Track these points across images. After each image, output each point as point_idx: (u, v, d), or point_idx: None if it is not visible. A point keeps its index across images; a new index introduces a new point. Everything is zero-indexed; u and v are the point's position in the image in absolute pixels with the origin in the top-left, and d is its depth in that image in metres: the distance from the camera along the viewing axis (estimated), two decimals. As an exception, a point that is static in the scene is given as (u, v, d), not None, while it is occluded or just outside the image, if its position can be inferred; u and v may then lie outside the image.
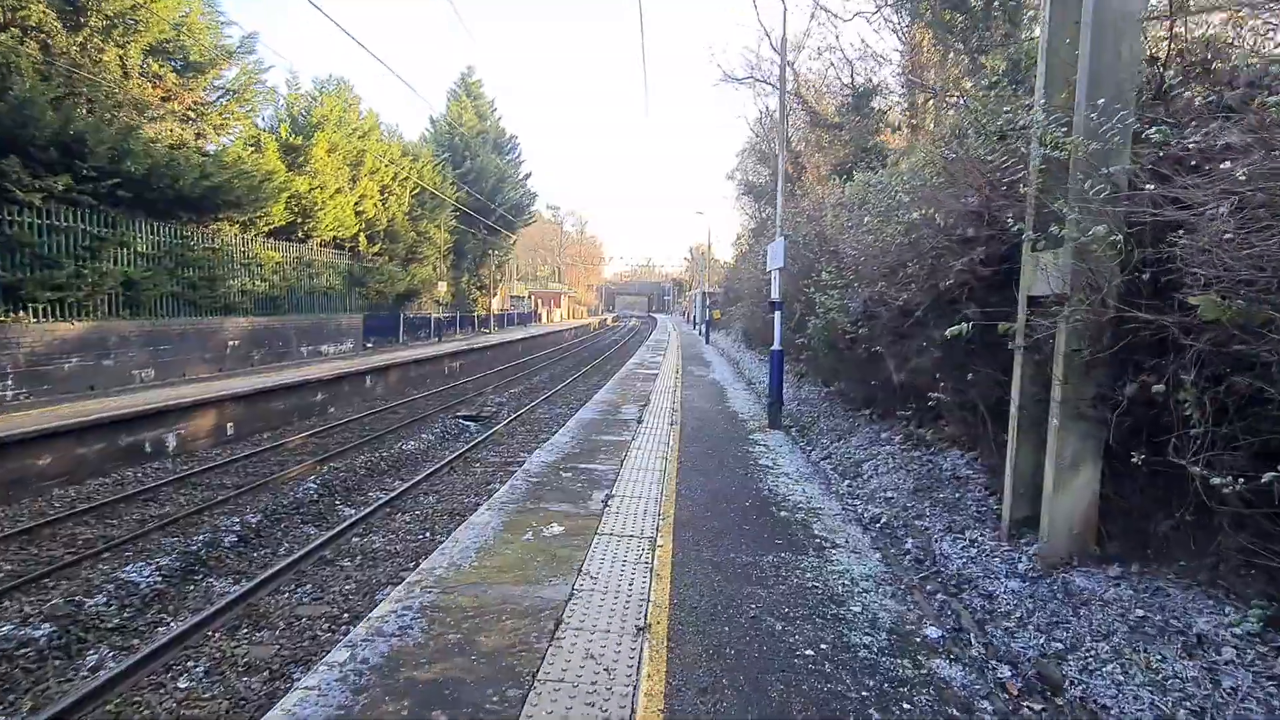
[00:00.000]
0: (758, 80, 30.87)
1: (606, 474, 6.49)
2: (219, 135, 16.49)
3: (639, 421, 9.40)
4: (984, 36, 16.23)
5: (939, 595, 3.94)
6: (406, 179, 26.71)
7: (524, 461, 9.09)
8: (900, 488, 5.67)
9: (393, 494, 9.44)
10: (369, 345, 24.31)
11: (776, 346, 9.07)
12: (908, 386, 5.96)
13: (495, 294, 42.22)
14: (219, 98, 16.69)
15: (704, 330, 33.16)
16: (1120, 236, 3.00)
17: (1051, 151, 3.45)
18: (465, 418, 15.23)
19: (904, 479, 5.77)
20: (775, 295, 9.03)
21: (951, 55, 23.79)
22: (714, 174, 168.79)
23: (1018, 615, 3.46)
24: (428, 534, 8.07)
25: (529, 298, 62.47)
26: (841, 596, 3.90)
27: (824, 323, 8.39)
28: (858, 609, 3.73)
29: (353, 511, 8.87)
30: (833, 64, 29.74)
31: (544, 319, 60.69)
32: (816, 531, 5.01)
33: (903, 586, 4.05)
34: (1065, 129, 3.64)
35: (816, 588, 4.02)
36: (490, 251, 38.30)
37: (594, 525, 4.91)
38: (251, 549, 7.42)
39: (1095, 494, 3.63)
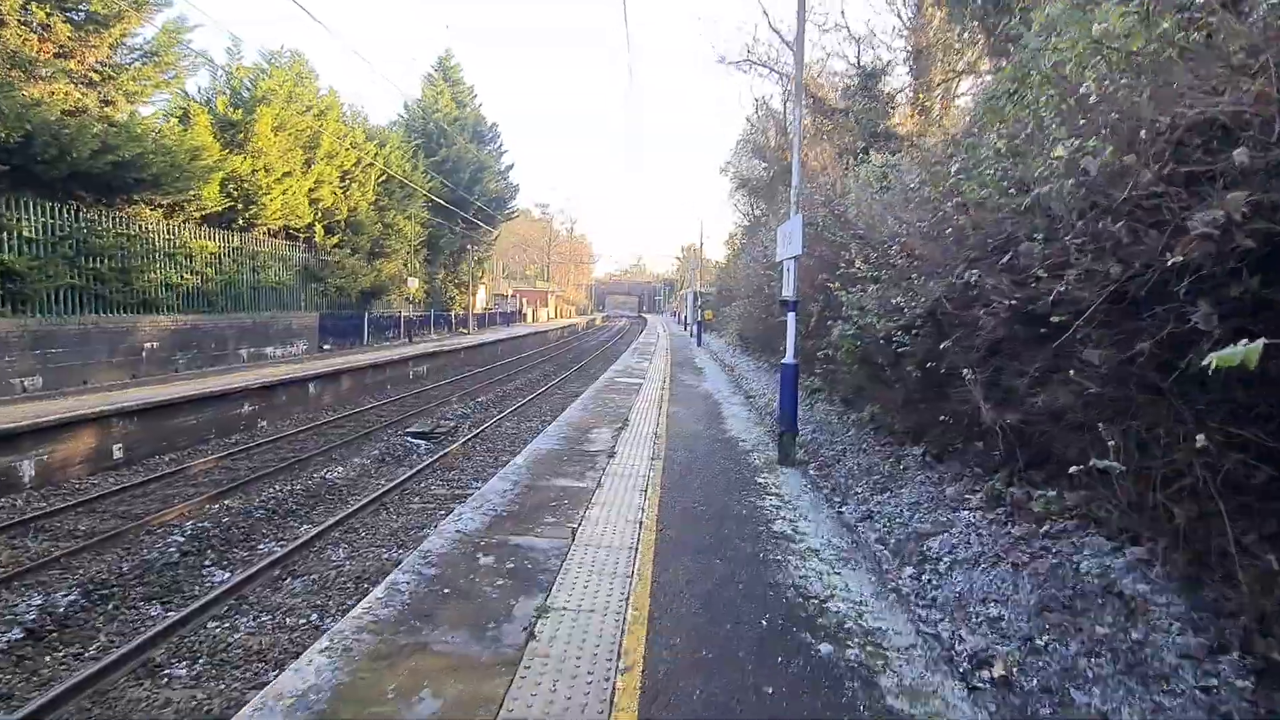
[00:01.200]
0: (754, 63, 28.80)
1: (547, 557, 4.32)
2: (133, 103, 14.16)
3: (610, 455, 7.23)
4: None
5: None
6: (371, 165, 24.39)
7: (473, 495, 6.88)
8: (1009, 597, 3.54)
9: (291, 546, 7.23)
10: (326, 347, 22.01)
11: (789, 359, 6.94)
12: (1016, 432, 3.83)
13: (475, 292, 39.91)
14: (134, 60, 14.37)
15: (695, 332, 31.06)
16: None
17: None
18: (415, 435, 13.00)
19: (1013, 581, 3.64)
20: (788, 292, 6.90)
21: (966, 34, 21.87)
22: (705, 172, 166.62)
23: None
24: (316, 615, 5.87)
25: (514, 296, 60.16)
26: None
27: (855, 329, 6.27)
28: None
29: (225, 576, 6.64)
30: (836, 45, 27.64)
31: (530, 318, 58.43)
32: (891, 699, 2.87)
33: None
34: None
35: None
36: (469, 247, 36.01)
37: (499, 693, 2.74)
38: (44, 651, 5.19)
39: None
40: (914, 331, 4.96)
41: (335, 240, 22.78)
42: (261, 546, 7.45)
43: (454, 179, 31.54)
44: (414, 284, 27.59)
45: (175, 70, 15.22)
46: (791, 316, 6.91)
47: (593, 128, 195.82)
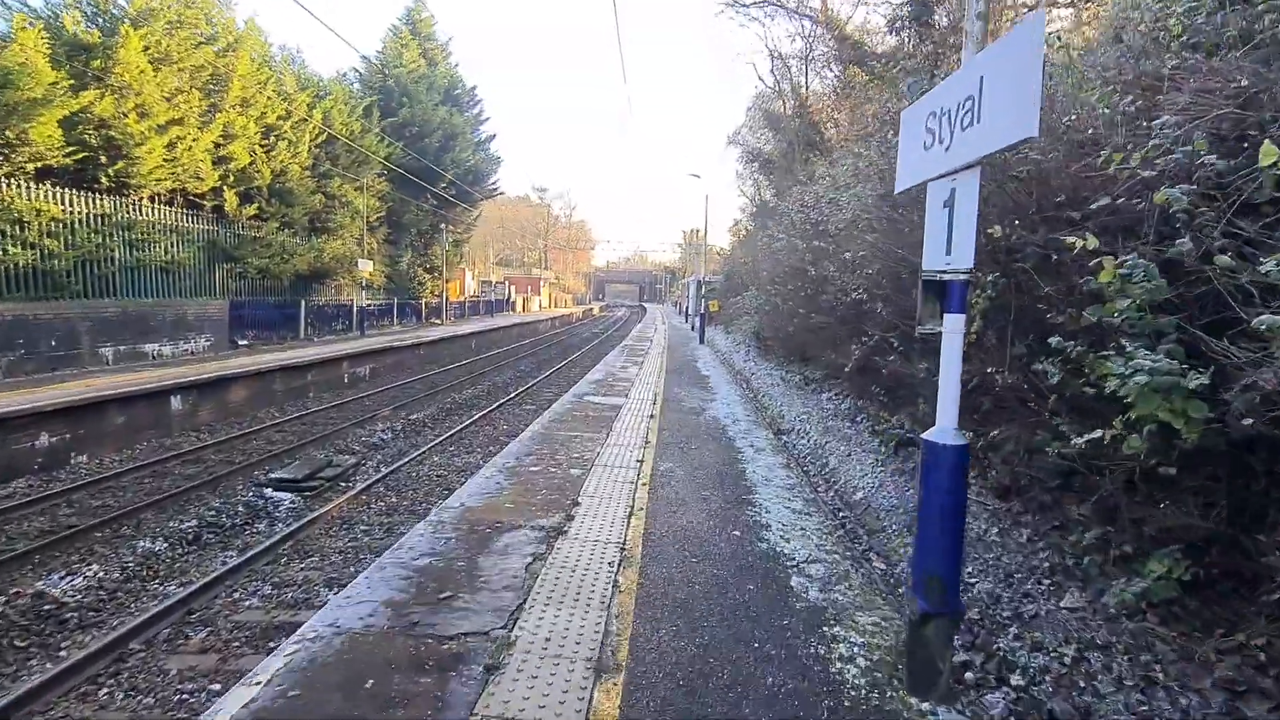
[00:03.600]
0: (773, 3, 24.34)
1: None
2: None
3: (494, 668, 2.97)
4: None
5: None
6: (305, 120, 20.02)
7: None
8: None
9: None
10: (242, 343, 17.77)
11: (946, 434, 2.72)
12: None
13: (451, 278, 35.60)
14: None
15: (698, 325, 26.72)
16: None
17: None
18: (282, 482, 8.77)
19: None
20: (953, 259, 2.69)
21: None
22: (711, 147, 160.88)
23: None
24: None
25: (502, 284, 55.80)
26: None
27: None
28: None
29: None
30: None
31: (520, 308, 54.15)
32: None
33: None
34: None
35: None
36: (442, 226, 31.64)
37: None
38: None
39: None
40: None
41: (254, 210, 18.42)
42: None
43: (419, 146, 27.11)
44: (366, 266, 23.26)
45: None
46: (955, 323, 2.65)
47: (592, 108, 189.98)
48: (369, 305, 25.43)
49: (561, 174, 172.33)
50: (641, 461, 6.50)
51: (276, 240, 19.35)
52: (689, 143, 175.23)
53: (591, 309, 79.32)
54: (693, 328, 33.41)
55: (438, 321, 31.97)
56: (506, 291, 52.07)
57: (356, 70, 27.45)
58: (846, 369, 6.09)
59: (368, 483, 8.97)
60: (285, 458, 10.23)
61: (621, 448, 7.11)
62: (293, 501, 8.32)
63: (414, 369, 20.52)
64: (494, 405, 14.47)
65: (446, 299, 33.31)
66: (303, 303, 20.64)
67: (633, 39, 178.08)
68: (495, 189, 35.83)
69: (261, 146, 18.35)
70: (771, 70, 28.64)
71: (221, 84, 16.57)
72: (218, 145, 16.69)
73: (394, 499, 8.52)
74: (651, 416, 8.98)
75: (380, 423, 12.90)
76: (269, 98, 18.33)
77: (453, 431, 12.00)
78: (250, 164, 17.98)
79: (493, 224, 77.21)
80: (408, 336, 23.60)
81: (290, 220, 20.21)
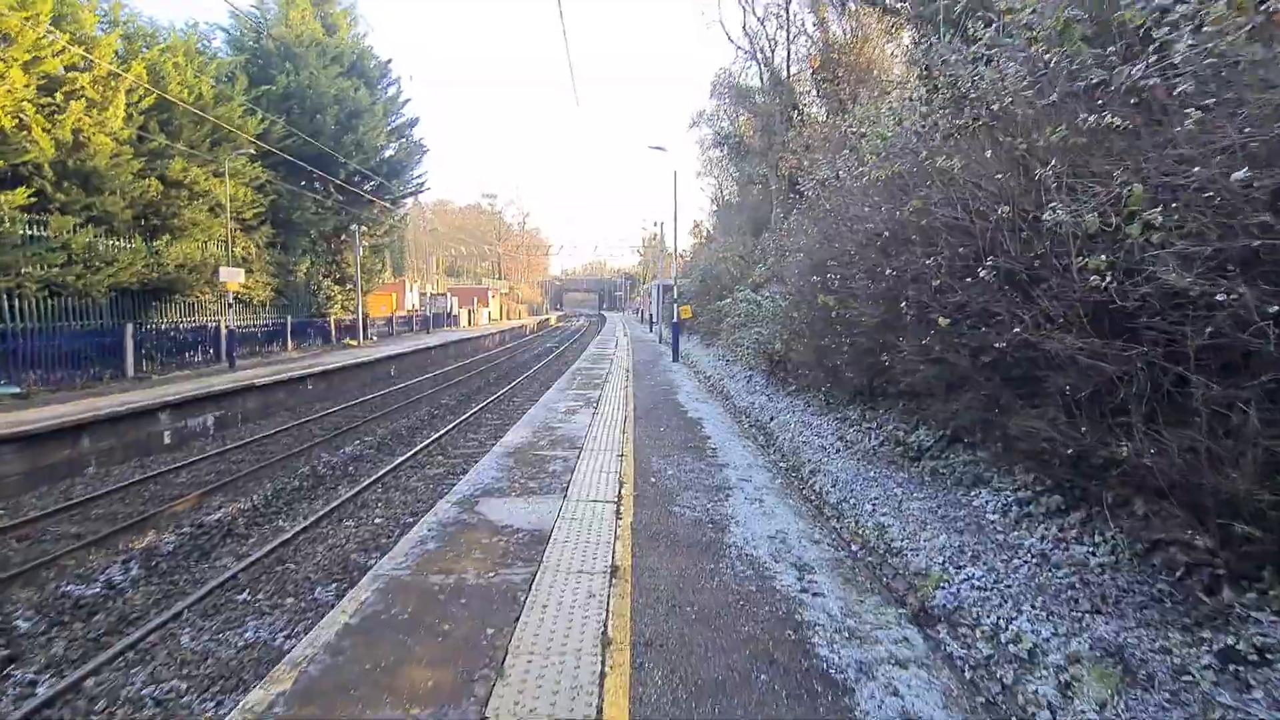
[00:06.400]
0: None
1: None
2: None
3: None
4: None
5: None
6: (118, 76, 14.36)
7: None
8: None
9: None
10: (16, 392, 12.00)
11: None
12: None
13: (370, 289, 29.88)
14: None
15: (669, 338, 21.74)
16: None
17: None
18: None
19: None
20: None
21: None
22: (668, 138, 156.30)
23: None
24: None
25: (444, 295, 49.94)
26: None
27: None
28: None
29: None
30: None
31: (466, 321, 48.36)
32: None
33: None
34: None
35: None
36: (353, 227, 25.97)
37: None
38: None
39: None
40: None
41: (25, 196, 12.66)
42: None
43: (311, 126, 21.51)
44: (234, 276, 17.51)
45: None
46: None
47: (540, 108, 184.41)
48: (245, 327, 19.70)
49: (513, 179, 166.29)
50: None
51: (77, 241, 13.64)
52: (646, 131, 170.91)
53: (548, 319, 73.91)
54: (660, 339, 28.53)
55: (353, 343, 26.30)
56: (448, 304, 46.24)
57: (222, 29, 21.74)
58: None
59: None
60: None
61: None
62: None
63: (292, 412, 14.99)
64: (369, 481, 9.17)
65: (364, 315, 27.61)
66: (129, 328, 14.87)
67: (579, 27, 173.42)
68: (421, 183, 30.30)
69: (36, 106, 12.67)
70: (745, 27, 24.18)
71: (-55, 4, 10.93)
72: (-57, 97, 11.02)
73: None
74: (611, 572, 3.88)
75: (148, 532, 7.51)
76: (46, 34, 12.68)
77: (256, 557, 6.67)
78: (18, 129, 12.29)
79: (439, 233, 71.27)
80: (298, 366, 18.02)
81: (104, 214, 14.48)
